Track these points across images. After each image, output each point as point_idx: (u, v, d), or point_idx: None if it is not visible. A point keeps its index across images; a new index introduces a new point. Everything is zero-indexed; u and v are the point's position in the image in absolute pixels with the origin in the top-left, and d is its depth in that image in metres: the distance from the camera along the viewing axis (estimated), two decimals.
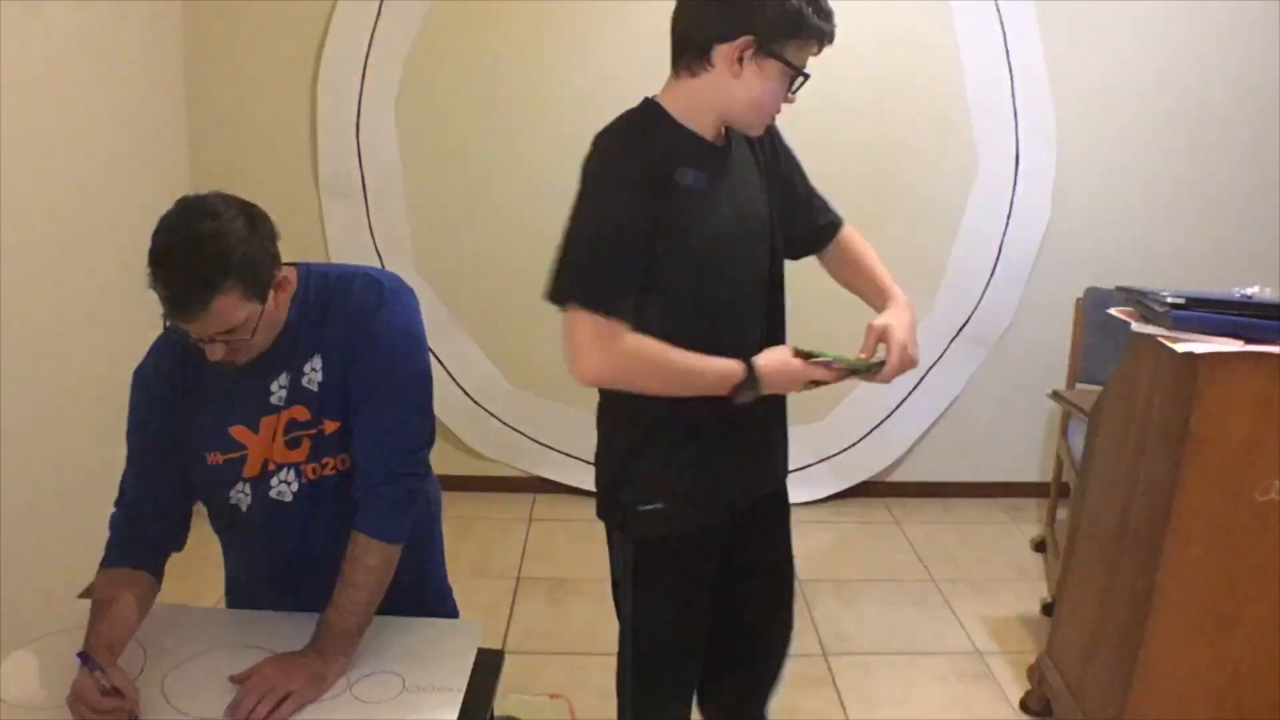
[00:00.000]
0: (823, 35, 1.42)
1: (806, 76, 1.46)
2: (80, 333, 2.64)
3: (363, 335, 1.41)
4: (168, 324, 1.32)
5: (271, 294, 1.34)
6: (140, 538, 1.44)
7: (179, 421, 1.42)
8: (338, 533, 1.41)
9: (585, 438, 3.65)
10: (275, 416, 1.41)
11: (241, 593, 1.59)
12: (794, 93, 1.48)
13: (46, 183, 2.48)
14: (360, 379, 1.40)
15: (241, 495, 1.45)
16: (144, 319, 3.15)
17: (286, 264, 1.44)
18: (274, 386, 1.41)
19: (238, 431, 1.42)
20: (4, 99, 2.27)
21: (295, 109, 3.24)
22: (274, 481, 1.43)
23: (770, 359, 1.48)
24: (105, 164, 2.76)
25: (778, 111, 1.50)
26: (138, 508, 1.45)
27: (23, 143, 2.35)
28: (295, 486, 1.44)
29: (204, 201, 1.31)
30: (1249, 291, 1.86)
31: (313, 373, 1.41)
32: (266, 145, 3.27)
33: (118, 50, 2.82)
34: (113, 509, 1.49)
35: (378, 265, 3.34)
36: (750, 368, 1.45)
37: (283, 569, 1.49)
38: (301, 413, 1.41)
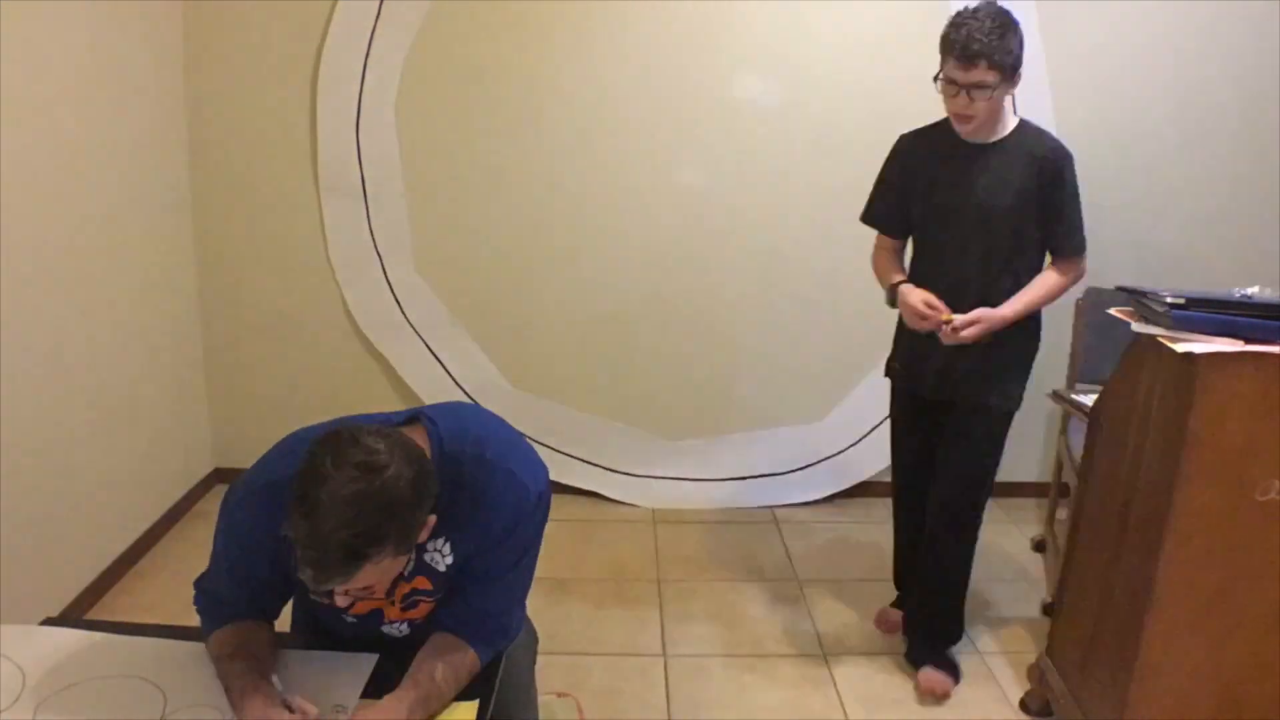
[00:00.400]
0: (948, 52, 2.20)
1: (953, 84, 2.23)
2: (79, 329, 2.64)
3: (497, 538, 1.37)
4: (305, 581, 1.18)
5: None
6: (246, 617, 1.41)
7: (282, 559, 1.29)
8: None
9: (584, 437, 3.67)
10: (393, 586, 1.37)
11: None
12: (951, 97, 2.26)
13: (46, 182, 2.48)
14: (480, 565, 1.39)
15: (345, 621, 1.44)
16: (142, 316, 3.16)
17: (410, 419, 1.35)
18: None
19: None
20: (4, 98, 2.27)
21: (295, 109, 3.24)
22: (385, 627, 1.45)
23: (909, 291, 2.29)
24: (105, 163, 2.76)
25: (953, 113, 2.30)
26: (233, 611, 1.40)
27: (22, 142, 2.35)
28: (407, 630, 1.45)
29: (369, 449, 1.15)
30: (1249, 291, 1.86)
31: (438, 554, 1.36)
32: (266, 145, 3.27)
33: (118, 50, 2.82)
34: (199, 602, 1.44)
35: (378, 264, 3.34)
36: (896, 285, 2.34)
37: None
38: (424, 583, 1.39)
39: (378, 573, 1.19)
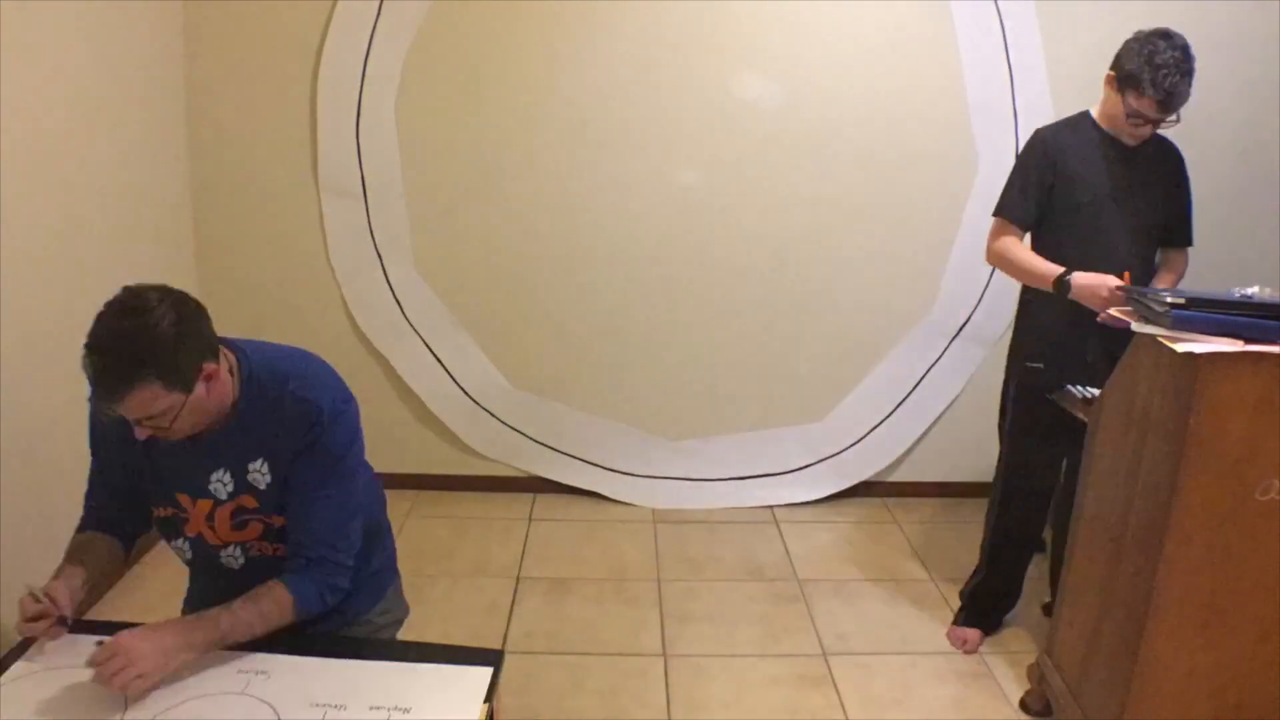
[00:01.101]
0: (1149, 93, 2.25)
1: (1142, 118, 2.30)
2: (79, 330, 2.63)
3: (297, 454, 1.50)
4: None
5: (201, 384, 1.40)
6: (108, 529, 1.62)
7: (128, 463, 1.57)
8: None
9: (585, 437, 3.67)
10: (214, 504, 1.53)
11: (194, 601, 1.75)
12: (1136, 125, 2.32)
13: (46, 182, 2.48)
14: (296, 486, 1.52)
15: (182, 549, 1.61)
16: None
17: (231, 344, 1.52)
18: (213, 478, 1.52)
19: (182, 497, 1.55)
20: (4, 98, 2.27)
21: (295, 108, 3.24)
22: (222, 555, 1.59)
23: (1087, 276, 2.24)
24: (105, 164, 2.76)
25: (1130, 133, 2.35)
26: (102, 517, 1.62)
27: (22, 142, 2.35)
28: (242, 560, 1.59)
29: (139, 295, 1.38)
30: (1249, 291, 1.86)
31: (258, 474, 1.52)
32: (266, 144, 3.27)
33: (118, 50, 2.81)
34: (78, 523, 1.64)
35: (378, 264, 3.34)
36: (1067, 274, 2.28)
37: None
38: (250, 501, 1.54)
39: (150, 399, 1.35)
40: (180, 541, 1.59)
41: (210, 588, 1.62)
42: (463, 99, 3.24)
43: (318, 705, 1.33)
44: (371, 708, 1.33)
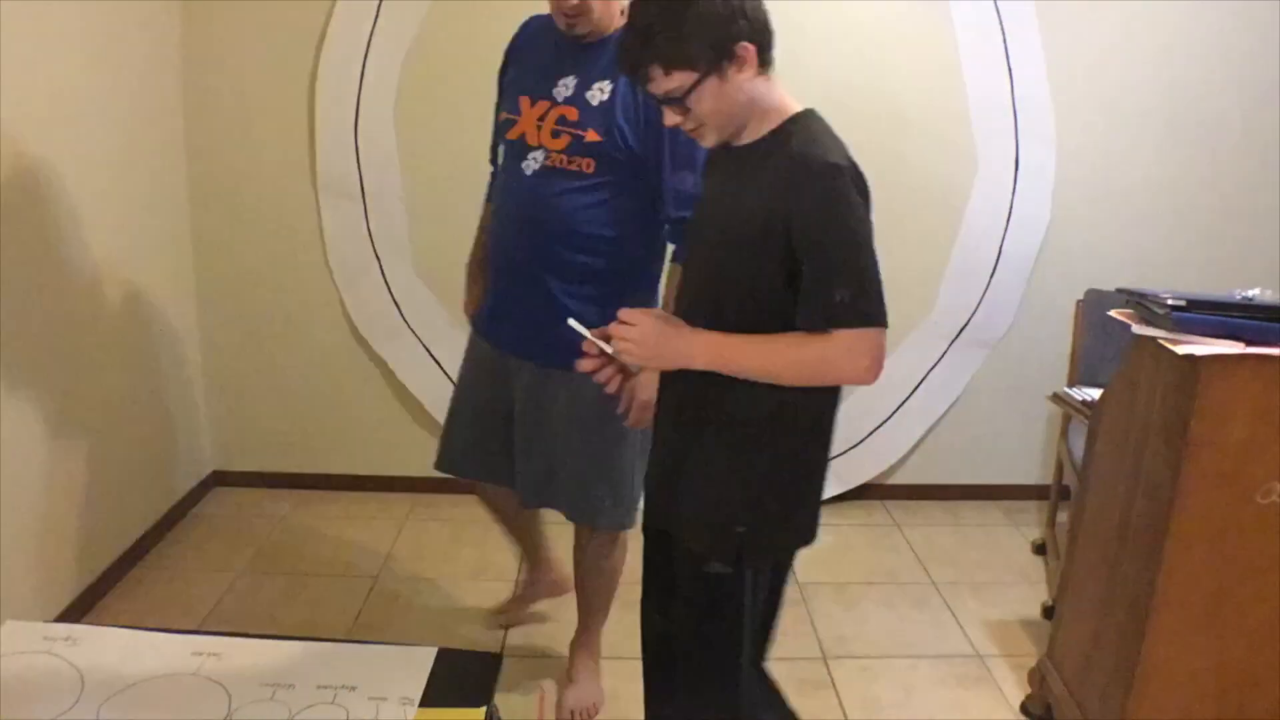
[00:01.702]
0: None
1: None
2: (77, 332, 2.63)
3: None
4: None
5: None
6: None
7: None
8: (538, 221, 1.90)
9: None
10: (549, 104, 1.81)
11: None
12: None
13: (43, 182, 2.48)
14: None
15: (501, 151, 1.97)
16: (140, 318, 3.15)
17: None
18: (559, 83, 1.80)
19: (521, 100, 1.88)
20: (2, 99, 2.27)
21: (293, 109, 3.23)
22: (528, 157, 1.89)
23: None
24: (103, 167, 2.76)
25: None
26: None
27: (19, 142, 2.35)
28: (538, 165, 1.87)
29: None
30: (1250, 293, 1.86)
31: (600, 93, 1.74)
32: (265, 145, 3.27)
33: (116, 50, 2.81)
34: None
35: (377, 266, 3.34)
36: None
37: (499, 243, 2.03)
38: (573, 113, 1.79)
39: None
40: (504, 147, 1.95)
41: (501, 209, 2.00)
42: (461, 101, 3.24)
43: (267, 685, 1.39)
44: (319, 686, 1.39)
